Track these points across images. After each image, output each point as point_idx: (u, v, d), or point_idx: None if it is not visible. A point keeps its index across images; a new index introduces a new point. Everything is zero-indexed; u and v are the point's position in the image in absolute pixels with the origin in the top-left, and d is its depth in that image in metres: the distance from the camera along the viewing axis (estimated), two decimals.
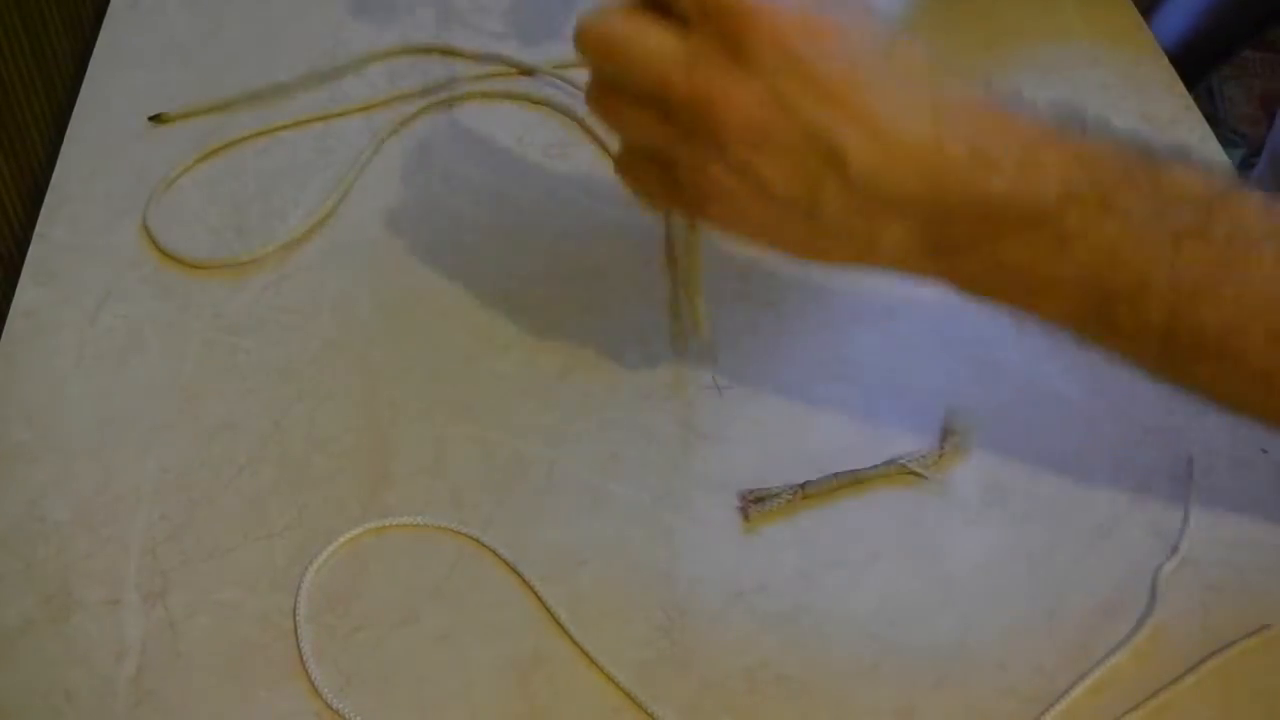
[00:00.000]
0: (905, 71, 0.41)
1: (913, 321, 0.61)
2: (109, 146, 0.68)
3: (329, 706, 0.47)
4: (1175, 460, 0.56)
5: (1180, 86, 0.73)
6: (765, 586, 0.51)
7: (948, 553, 0.53)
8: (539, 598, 0.50)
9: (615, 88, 0.44)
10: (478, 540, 0.52)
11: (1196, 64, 1.23)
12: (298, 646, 0.49)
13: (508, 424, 0.56)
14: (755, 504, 0.53)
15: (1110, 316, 0.43)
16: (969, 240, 0.42)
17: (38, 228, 0.64)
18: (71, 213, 0.64)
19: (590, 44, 0.43)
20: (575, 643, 0.49)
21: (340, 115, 0.70)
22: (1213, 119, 0.73)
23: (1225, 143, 0.69)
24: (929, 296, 0.62)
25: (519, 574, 0.51)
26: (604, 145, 0.68)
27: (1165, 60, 0.75)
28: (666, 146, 0.43)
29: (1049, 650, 0.49)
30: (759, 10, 0.40)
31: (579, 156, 0.68)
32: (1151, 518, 0.54)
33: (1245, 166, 1.42)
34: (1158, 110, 0.71)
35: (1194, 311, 0.42)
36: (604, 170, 0.68)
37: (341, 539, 0.52)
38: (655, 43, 0.42)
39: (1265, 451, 0.56)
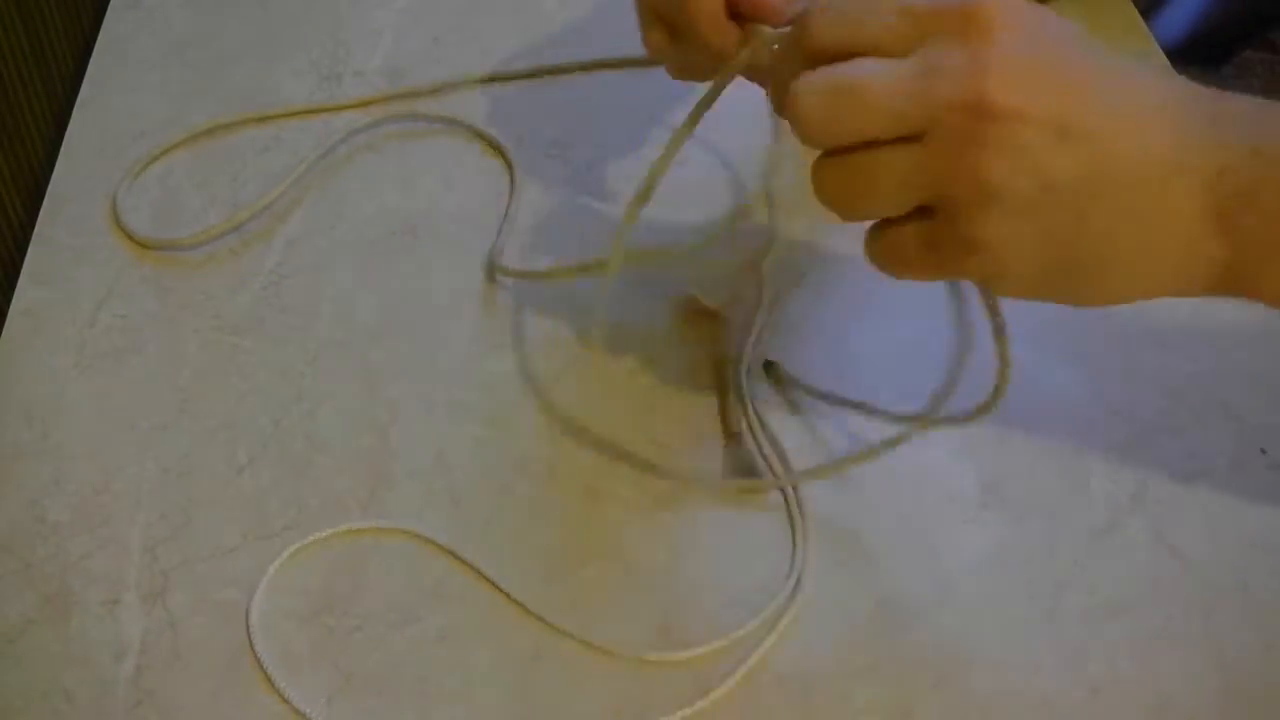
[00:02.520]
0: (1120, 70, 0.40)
1: (913, 321, 0.61)
2: (109, 146, 0.68)
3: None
4: (1175, 460, 0.56)
5: None
6: (765, 586, 0.51)
7: (947, 552, 0.53)
8: (522, 607, 0.50)
9: (851, 147, 0.40)
10: (455, 555, 0.52)
11: (1197, 64, 1.23)
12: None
13: (508, 424, 0.56)
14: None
15: None
16: (1249, 185, 0.40)
17: (38, 228, 0.64)
18: (71, 213, 0.64)
19: (814, 101, 0.40)
20: (569, 634, 0.49)
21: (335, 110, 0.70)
22: None
23: None
24: (929, 295, 0.62)
25: (501, 590, 0.51)
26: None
27: (1165, 60, 0.74)
28: (929, 186, 0.40)
29: (1049, 650, 0.49)
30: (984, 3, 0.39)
31: (580, 156, 0.68)
32: (1152, 518, 0.54)
33: None
34: None
35: None
36: (600, 164, 0.68)
37: (304, 541, 0.52)
38: (884, 72, 0.39)
39: (1264, 452, 0.56)
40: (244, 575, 0.51)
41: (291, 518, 0.53)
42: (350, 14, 0.76)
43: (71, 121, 0.69)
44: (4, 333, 0.59)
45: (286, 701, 0.47)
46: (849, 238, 0.60)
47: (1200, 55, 1.23)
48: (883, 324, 0.61)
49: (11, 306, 0.60)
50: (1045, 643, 0.50)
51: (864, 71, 0.40)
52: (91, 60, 0.73)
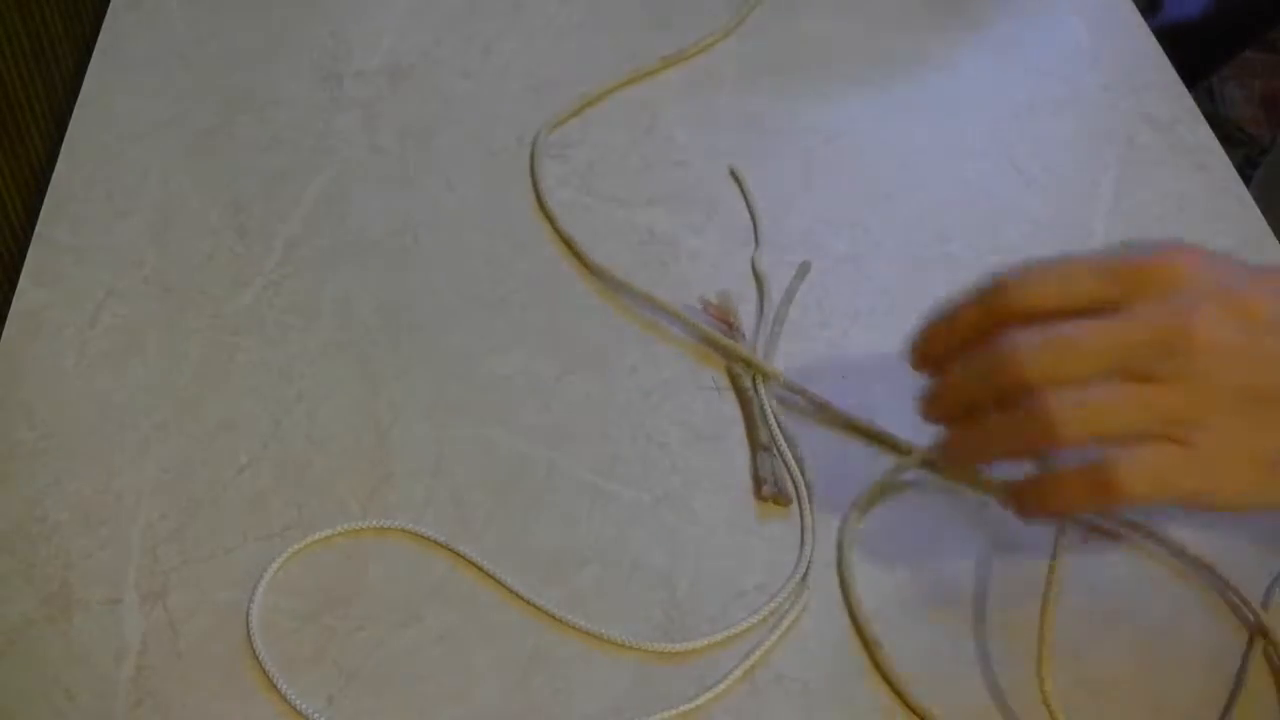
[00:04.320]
0: None
1: (913, 322, 0.61)
2: (109, 146, 0.68)
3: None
4: None
5: (1180, 86, 0.73)
6: (765, 586, 0.51)
7: (947, 552, 0.53)
8: (522, 606, 0.50)
9: (1072, 380, 0.43)
10: (455, 554, 0.52)
11: (1197, 64, 1.23)
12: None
13: (508, 424, 0.56)
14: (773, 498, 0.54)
15: None
16: None
17: (38, 228, 0.64)
18: (71, 213, 0.65)
19: (1028, 356, 0.43)
20: (569, 634, 0.49)
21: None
22: (1213, 119, 0.73)
23: (1226, 142, 0.69)
24: (929, 296, 0.62)
25: (501, 590, 0.51)
26: None
27: (1165, 60, 0.75)
28: (1146, 408, 0.43)
29: (1049, 650, 0.49)
30: (1175, 257, 0.43)
31: (580, 155, 0.68)
32: (1151, 517, 0.54)
33: (1250, 165, 1.42)
34: (1158, 110, 0.71)
35: None
36: (598, 178, 0.68)
37: (304, 541, 0.52)
38: (1096, 326, 0.43)
39: None
40: (244, 575, 0.51)
41: (291, 518, 0.53)
42: (350, 14, 0.76)
43: (71, 121, 0.69)
44: (4, 333, 0.59)
45: (286, 701, 0.47)
46: (847, 241, 0.60)
47: (1200, 55, 1.23)
48: (885, 327, 0.61)
49: (12, 306, 0.60)
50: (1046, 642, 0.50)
51: (1079, 333, 0.43)
52: (91, 60, 0.73)
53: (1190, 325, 0.42)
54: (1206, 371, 0.42)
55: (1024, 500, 0.46)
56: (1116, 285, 0.43)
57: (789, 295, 0.61)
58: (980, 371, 0.44)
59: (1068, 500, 0.45)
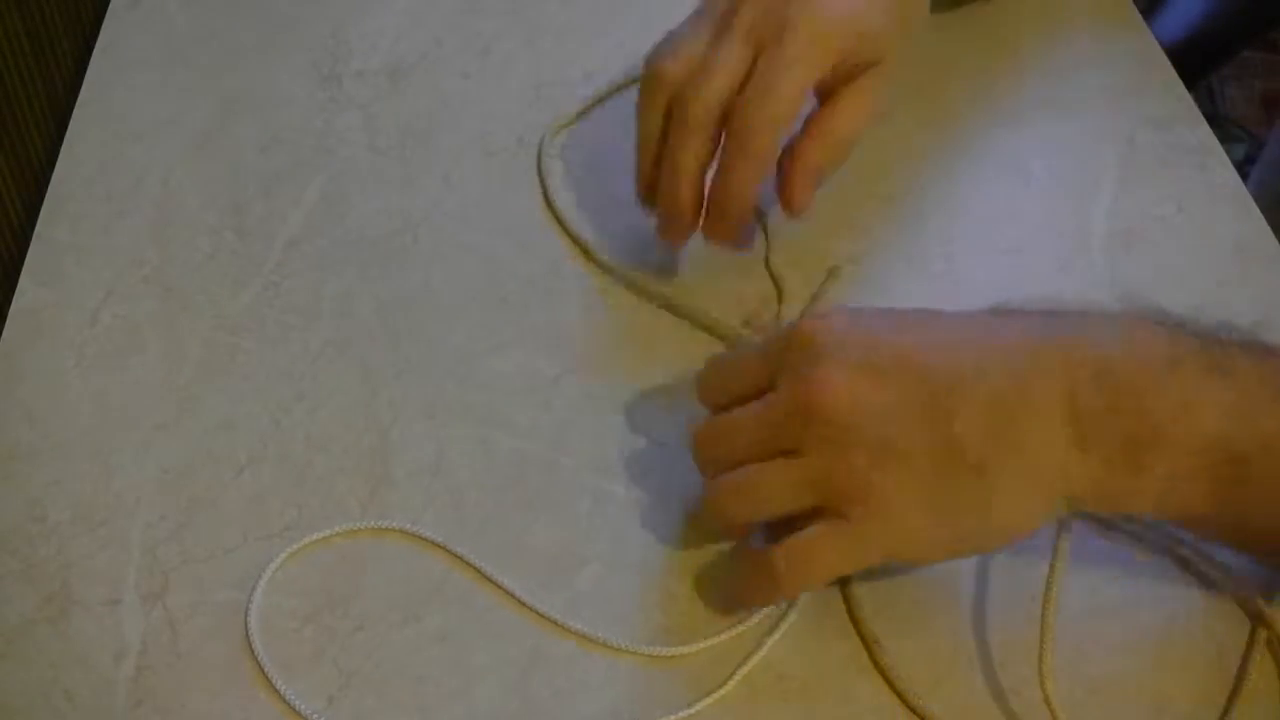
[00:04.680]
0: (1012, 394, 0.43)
1: None
2: (109, 146, 0.68)
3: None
4: None
5: (1180, 86, 0.73)
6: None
7: None
8: (522, 606, 0.50)
9: (733, 464, 0.47)
10: (455, 555, 0.52)
11: (1196, 64, 1.23)
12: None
13: (508, 424, 0.56)
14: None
15: (1257, 495, 0.44)
16: (1105, 408, 0.43)
17: (38, 228, 0.64)
18: (71, 213, 0.65)
19: (696, 446, 0.50)
20: (569, 634, 0.49)
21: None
22: (1213, 119, 0.73)
23: (1226, 142, 0.69)
24: (929, 296, 0.62)
25: (501, 590, 0.51)
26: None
27: (1165, 60, 0.74)
28: (796, 485, 0.45)
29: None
30: (810, 323, 0.46)
31: (580, 155, 0.68)
32: (1150, 516, 0.54)
33: (1250, 163, 1.42)
34: (1158, 110, 0.71)
35: None
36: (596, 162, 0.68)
37: (304, 541, 0.52)
38: (748, 411, 0.47)
39: None
40: (244, 575, 0.51)
41: (291, 518, 0.53)
42: (350, 14, 0.76)
43: (71, 121, 0.69)
44: (4, 333, 0.59)
45: (286, 702, 0.47)
46: (848, 241, 0.60)
47: (1200, 55, 1.23)
48: None
49: (12, 306, 0.60)
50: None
51: (736, 414, 0.47)
52: (91, 60, 0.73)
53: (812, 390, 0.43)
54: (840, 434, 0.43)
55: (728, 593, 0.50)
56: (767, 365, 0.46)
57: (816, 298, 0.61)
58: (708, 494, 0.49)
59: (749, 595, 0.48)
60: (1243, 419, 0.42)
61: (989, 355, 0.43)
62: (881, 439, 0.43)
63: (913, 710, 0.48)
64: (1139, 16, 0.77)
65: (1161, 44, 0.75)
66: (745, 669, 0.48)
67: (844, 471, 0.43)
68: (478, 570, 0.51)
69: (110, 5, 0.76)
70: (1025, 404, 0.42)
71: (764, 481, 0.46)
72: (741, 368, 0.48)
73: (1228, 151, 0.69)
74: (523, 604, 0.50)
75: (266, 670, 0.48)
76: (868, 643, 0.49)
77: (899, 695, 0.48)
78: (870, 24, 0.56)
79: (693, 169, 0.56)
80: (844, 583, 0.51)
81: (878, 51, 0.57)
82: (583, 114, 0.70)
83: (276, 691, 0.47)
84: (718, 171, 0.56)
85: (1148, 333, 0.43)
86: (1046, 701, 0.46)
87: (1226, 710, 0.48)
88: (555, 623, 0.50)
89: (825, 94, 0.58)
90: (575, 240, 0.63)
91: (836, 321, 0.46)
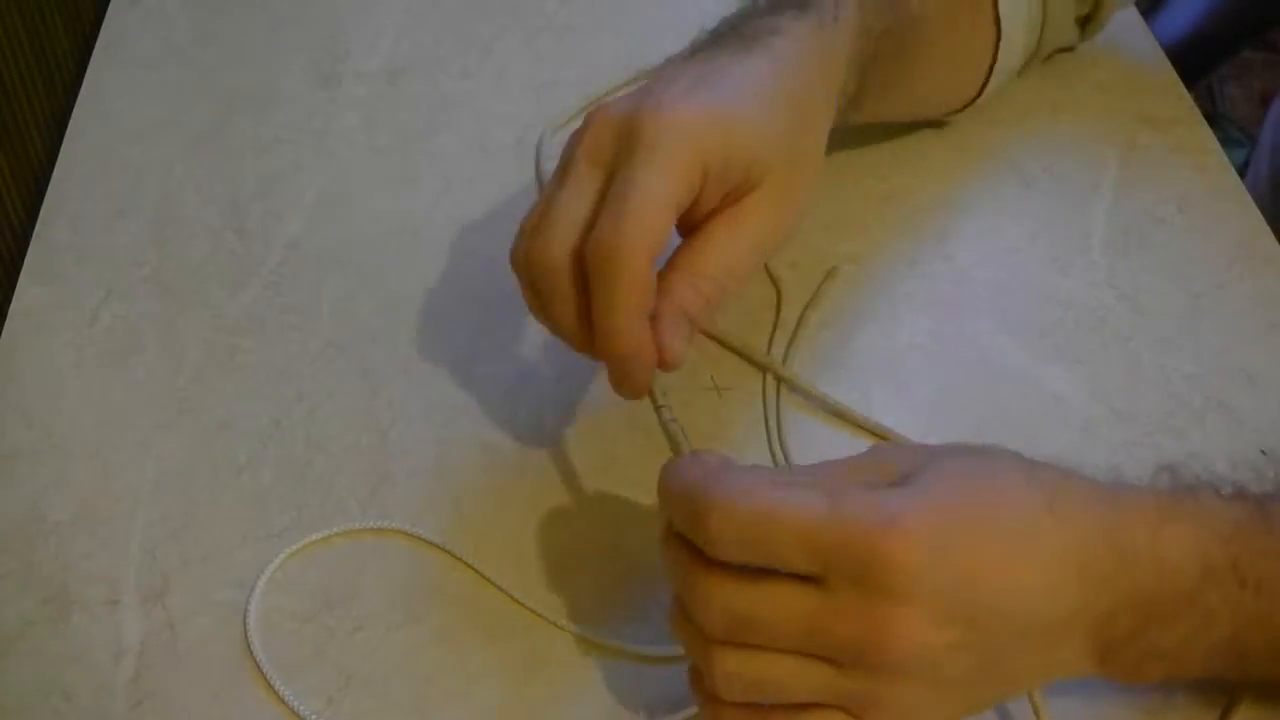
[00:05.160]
0: (1028, 513, 0.41)
1: (913, 321, 0.61)
2: (109, 146, 0.68)
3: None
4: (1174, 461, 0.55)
5: (1180, 87, 0.73)
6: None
7: None
8: (522, 606, 0.50)
9: (743, 645, 0.40)
10: (455, 555, 0.52)
11: (1196, 64, 1.23)
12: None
13: (507, 424, 0.56)
14: None
15: (1248, 669, 0.44)
16: (1129, 635, 0.42)
17: (38, 228, 0.64)
18: (71, 213, 0.65)
19: (710, 620, 0.40)
20: (569, 634, 0.49)
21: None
22: (1213, 119, 0.73)
23: (1226, 143, 0.69)
24: (929, 296, 0.62)
25: (501, 590, 0.51)
26: None
27: (1165, 60, 0.74)
28: (823, 689, 0.41)
29: None
30: (887, 542, 0.38)
31: None
32: None
33: (1249, 166, 1.42)
34: (1158, 110, 0.71)
35: None
36: None
37: (304, 541, 0.52)
38: (790, 603, 0.39)
39: (1264, 452, 0.56)
40: (244, 575, 0.51)
41: (291, 518, 0.53)
42: (350, 14, 0.76)
43: (71, 121, 0.69)
44: (4, 333, 0.59)
45: (285, 703, 0.47)
46: (847, 241, 0.60)
47: (1200, 55, 1.23)
48: (888, 328, 0.61)
49: (11, 306, 0.60)
50: None
51: (769, 611, 0.40)
52: (91, 60, 0.73)
53: (888, 636, 0.39)
54: (897, 669, 0.40)
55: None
56: (818, 560, 0.39)
57: (815, 299, 0.61)
58: (680, 616, 0.42)
59: None
60: (1257, 626, 0.43)
61: (1046, 579, 0.41)
62: (933, 673, 0.40)
63: None
64: (1139, 16, 0.77)
65: (1161, 44, 0.75)
66: None
67: (888, 699, 0.41)
68: (477, 571, 0.51)
69: (110, 5, 0.76)
70: (1064, 634, 0.42)
71: (788, 680, 0.41)
72: (775, 542, 0.39)
73: (1227, 155, 0.69)
74: (523, 604, 0.50)
75: (266, 670, 0.48)
76: None
77: None
78: (743, 124, 0.47)
79: (571, 326, 0.47)
80: None
81: (758, 164, 0.47)
82: (581, 113, 0.70)
83: (276, 692, 0.47)
84: (593, 323, 0.47)
85: (1179, 550, 0.42)
86: (1030, 698, 0.46)
87: (1227, 711, 0.48)
88: (555, 623, 0.50)
89: (698, 221, 0.49)
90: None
91: (918, 550, 0.38)
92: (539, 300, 0.48)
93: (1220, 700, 0.48)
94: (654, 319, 0.47)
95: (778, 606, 0.39)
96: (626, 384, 0.48)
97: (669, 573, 0.42)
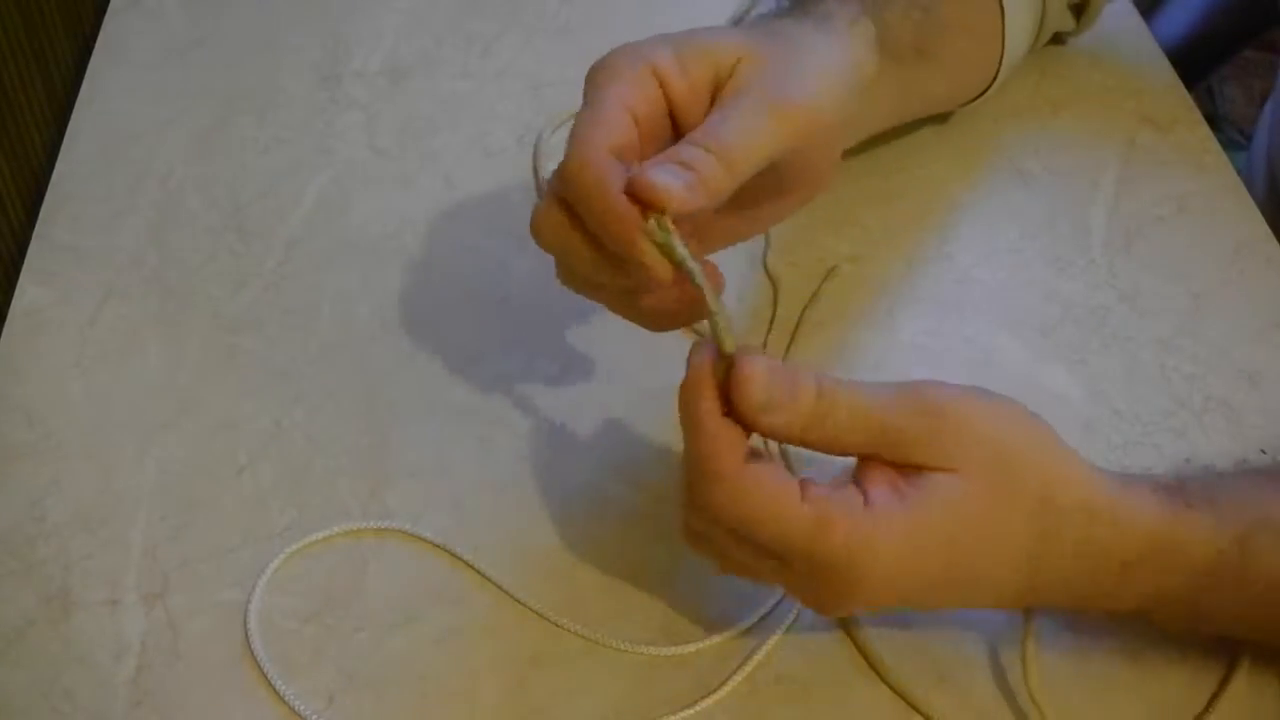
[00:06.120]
0: (1013, 529, 0.43)
1: (912, 322, 0.61)
2: (109, 146, 0.68)
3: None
4: (1175, 460, 0.55)
5: (1180, 86, 0.73)
6: (764, 586, 0.51)
7: None
8: (522, 606, 0.50)
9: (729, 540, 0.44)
10: (455, 555, 0.52)
11: (1196, 64, 1.23)
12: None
13: (508, 424, 0.56)
14: None
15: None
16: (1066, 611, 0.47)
17: (37, 228, 0.64)
18: (71, 213, 0.65)
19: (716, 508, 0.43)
20: (569, 634, 0.49)
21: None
22: (1213, 119, 0.73)
23: (1226, 146, 0.69)
24: (929, 296, 0.62)
25: (501, 590, 0.51)
26: None
27: (1165, 60, 0.74)
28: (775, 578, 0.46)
29: (1047, 650, 0.49)
30: (852, 578, 0.42)
31: None
32: None
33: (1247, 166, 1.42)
34: (1158, 110, 0.71)
35: None
36: None
37: (304, 541, 0.52)
38: (760, 561, 0.44)
39: (1264, 452, 0.56)
40: (244, 575, 0.51)
41: (291, 518, 0.53)
42: (350, 14, 0.76)
43: (71, 121, 0.69)
44: (4, 333, 0.59)
45: (285, 702, 0.47)
46: (847, 241, 0.60)
47: (1200, 55, 1.23)
48: (886, 326, 0.61)
49: (12, 306, 0.60)
50: (1046, 642, 0.50)
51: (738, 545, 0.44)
52: (91, 60, 0.73)
53: (834, 609, 0.46)
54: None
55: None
56: (786, 562, 0.43)
57: (814, 299, 0.61)
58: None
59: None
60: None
61: (998, 574, 0.44)
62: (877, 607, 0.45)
63: (913, 709, 0.48)
64: (1139, 16, 0.77)
65: (1161, 44, 0.75)
66: (745, 669, 0.48)
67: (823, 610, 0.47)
68: (478, 570, 0.51)
69: (110, 5, 0.76)
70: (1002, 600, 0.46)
71: (749, 562, 0.45)
72: (757, 534, 0.43)
73: (1227, 154, 0.69)
74: (523, 604, 0.50)
75: (266, 670, 0.48)
76: (867, 643, 0.49)
77: (899, 695, 0.48)
78: (696, 33, 0.49)
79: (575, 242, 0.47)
80: None
81: (717, 50, 0.48)
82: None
83: (276, 692, 0.47)
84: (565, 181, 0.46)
85: (1107, 531, 0.44)
86: (1032, 697, 0.46)
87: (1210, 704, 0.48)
88: (555, 623, 0.50)
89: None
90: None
91: (875, 584, 0.43)
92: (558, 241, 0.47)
93: (1213, 677, 0.48)
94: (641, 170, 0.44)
95: (746, 555, 0.44)
96: (637, 266, 0.45)
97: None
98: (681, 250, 0.43)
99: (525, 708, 0.48)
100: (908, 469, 0.43)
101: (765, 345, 0.59)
